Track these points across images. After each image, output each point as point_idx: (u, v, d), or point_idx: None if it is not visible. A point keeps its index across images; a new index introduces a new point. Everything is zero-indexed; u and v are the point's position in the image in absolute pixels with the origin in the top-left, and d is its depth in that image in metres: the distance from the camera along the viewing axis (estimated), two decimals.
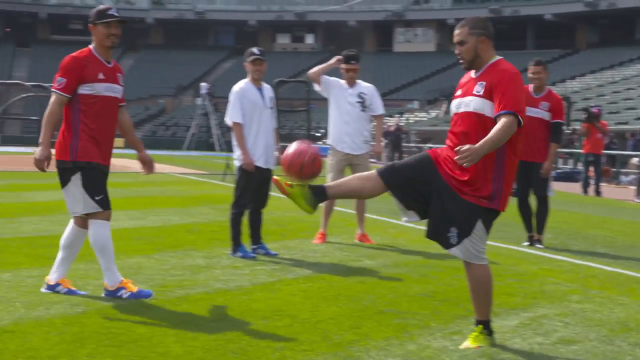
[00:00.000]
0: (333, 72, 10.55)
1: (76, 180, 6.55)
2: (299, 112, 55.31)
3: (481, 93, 5.39)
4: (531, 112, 10.46)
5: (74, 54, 6.68)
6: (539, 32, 72.89)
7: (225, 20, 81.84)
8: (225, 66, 79.40)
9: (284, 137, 15.05)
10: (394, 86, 70.13)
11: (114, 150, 6.88)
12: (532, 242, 10.82)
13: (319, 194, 5.56)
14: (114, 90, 6.71)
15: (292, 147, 5.65)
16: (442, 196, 5.40)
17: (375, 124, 10.95)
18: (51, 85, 6.75)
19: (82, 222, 6.76)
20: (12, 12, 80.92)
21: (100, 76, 6.59)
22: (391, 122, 45.59)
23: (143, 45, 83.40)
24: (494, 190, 5.35)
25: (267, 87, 9.36)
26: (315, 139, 52.21)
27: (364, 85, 10.55)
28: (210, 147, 55.97)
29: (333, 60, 10.37)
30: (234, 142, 9.18)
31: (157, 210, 13.62)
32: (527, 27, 73.05)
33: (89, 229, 6.66)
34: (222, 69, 79.17)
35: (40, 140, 6.53)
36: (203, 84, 52.85)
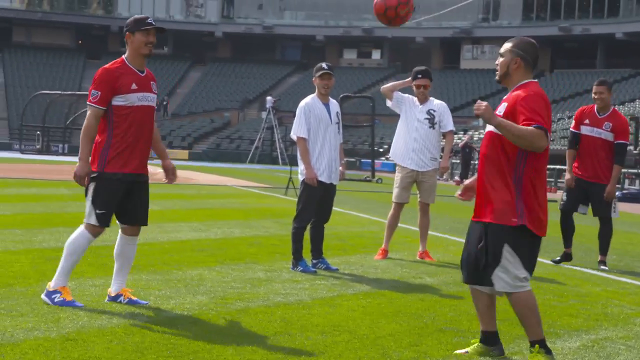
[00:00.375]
0: (406, 89, 10.54)
1: (91, 189, 6.68)
2: (364, 127, 55.33)
3: (501, 113, 5.43)
4: (593, 132, 10.28)
5: (106, 65, 6.75)
6: (609, 51, 71.88)
7: (292, 35, 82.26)
8: (291, 81, 79.78)
9: (347, 152, 15.06)
10: (459, 103, 69.75)
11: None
12: (565, 258, 10.57)
13: (491, 340, 5.67)
14: (147, 99, 6.74)
15: None
16: (471, 236, 5.53)
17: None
18: None
19: (130, 230, 6.87)
20: (85, 24, 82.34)
21: (134, 86, 6.64)
22: (459, 139, 45.26)
23: (211, 58, 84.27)
24: (517, 208, 5.33)
25: (334, 103, 9.37)
26: (379, 155, 52.18)
27: (435, 103, 10.51)
28: (273, 161, 56.27)
29: (408, 79, 10.38)
30: (299, 157, 9.22)
31: (219, 223, 13.71)
32: (597, 45, 72.14)
33: (77, 230, 6.78)
34: (288, 83, 79.57)
35: (79, 155, 6.64)
36: (268, 98, 53.20)
